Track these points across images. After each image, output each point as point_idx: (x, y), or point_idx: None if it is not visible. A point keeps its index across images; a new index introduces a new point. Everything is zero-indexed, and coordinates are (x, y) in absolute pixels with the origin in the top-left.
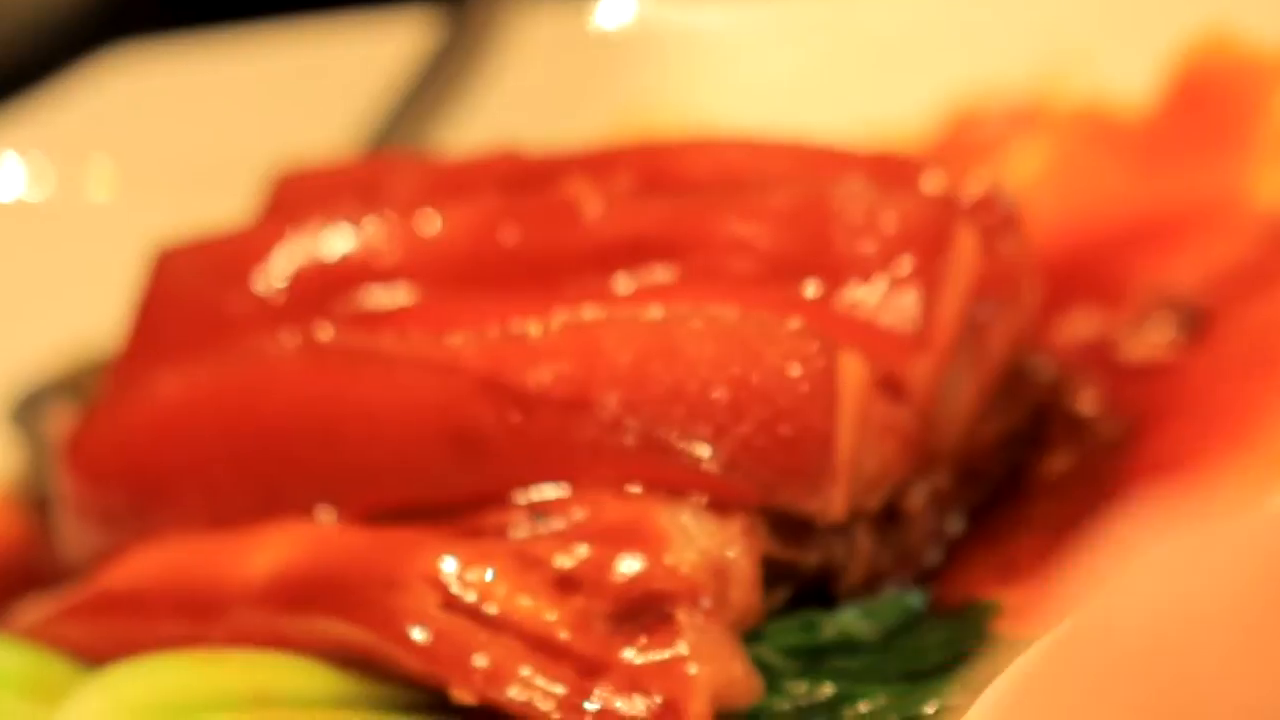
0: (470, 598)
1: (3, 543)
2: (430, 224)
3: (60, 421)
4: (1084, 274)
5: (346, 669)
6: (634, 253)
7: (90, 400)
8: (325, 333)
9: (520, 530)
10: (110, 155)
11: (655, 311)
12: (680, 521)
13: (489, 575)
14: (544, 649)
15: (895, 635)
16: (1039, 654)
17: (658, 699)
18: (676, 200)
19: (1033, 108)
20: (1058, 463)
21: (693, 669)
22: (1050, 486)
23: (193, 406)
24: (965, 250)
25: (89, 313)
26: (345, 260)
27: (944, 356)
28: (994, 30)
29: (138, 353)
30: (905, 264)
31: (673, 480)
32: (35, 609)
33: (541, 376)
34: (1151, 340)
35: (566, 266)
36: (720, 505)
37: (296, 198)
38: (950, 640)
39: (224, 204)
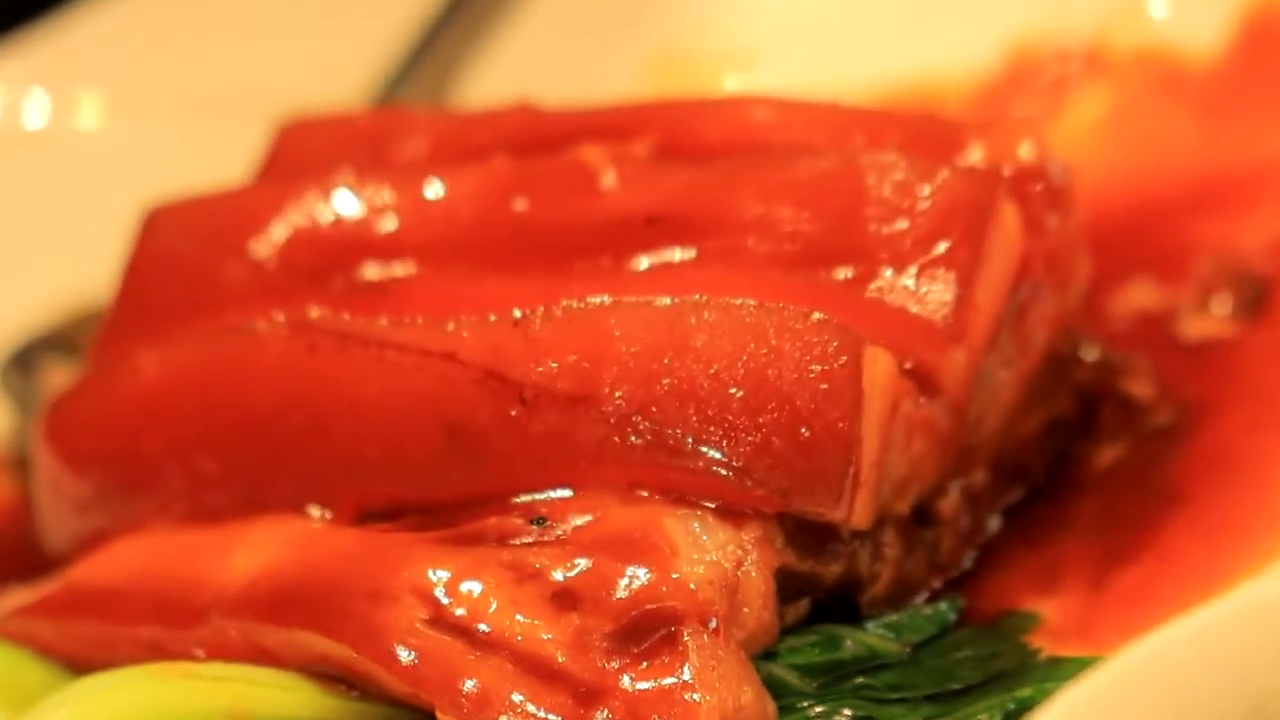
0: (461, 613)
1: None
2: (437, 189)
3: (53, 380)
4: (1142, 238)
5: (327, 685)
6: (650, 229)
7: (80, 363)
8: (317, 312)
9: (518, 537)
10: (107, 87)
11: (667, 300)
12: (690, 530)
13: (481, 588)
14: (538, 672)
15: (924, 651)
16: (1095, 687)
17: None
18: (696, 170)
19: (1094, 50)
20: (1107, 454)
21: (697, 696)
22: (1098, 481)
23: (176, 388)
24: (1008, 228)
25: (83, 251)
26: (345, 227)
27: (981, 347)
28: None
29: (122, 322)
30: (941, 246)
31: (683, 485)
32: (6, 602)
33: (544, 369)
34: (1212, 315)
35: (577, 242)
36: (734, 512)
37: (297, 153)
38: (984, 657)
39: (224, 137)
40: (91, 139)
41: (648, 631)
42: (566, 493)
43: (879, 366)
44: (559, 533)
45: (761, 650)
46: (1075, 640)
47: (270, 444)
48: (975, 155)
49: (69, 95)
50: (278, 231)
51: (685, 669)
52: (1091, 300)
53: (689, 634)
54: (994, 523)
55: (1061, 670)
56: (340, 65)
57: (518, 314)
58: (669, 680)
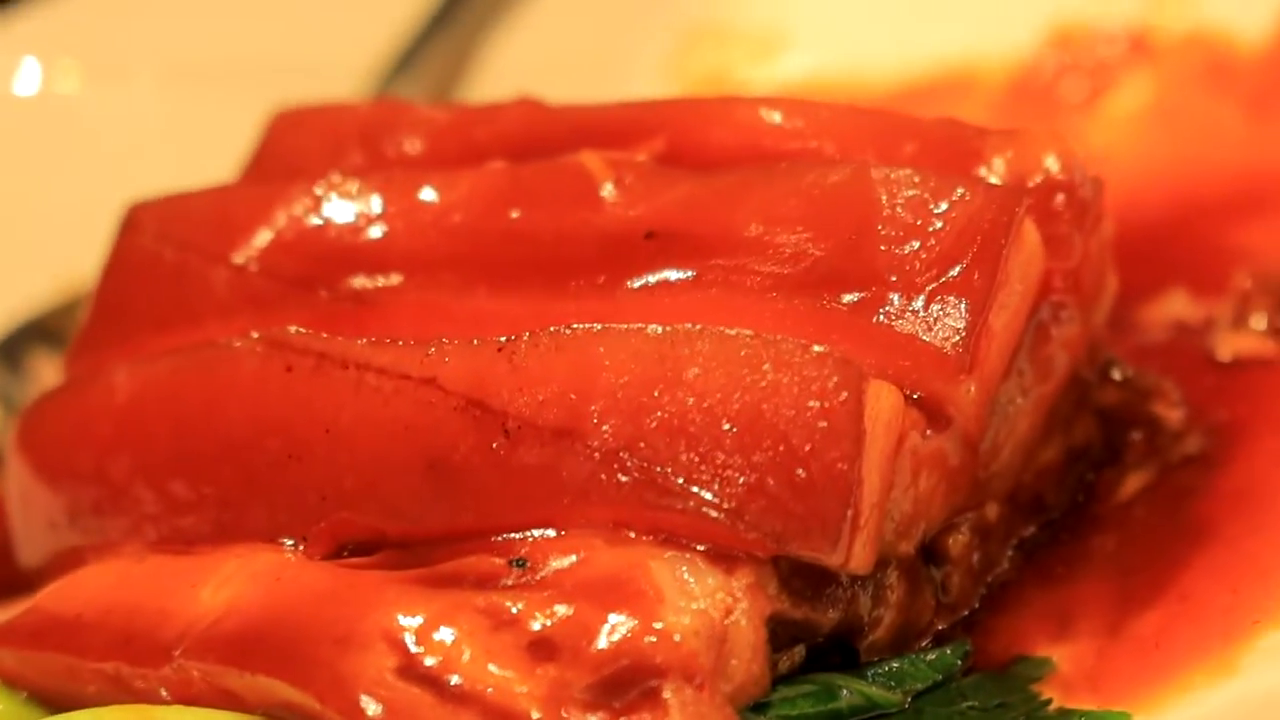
0: (432, 662)
1: None
2: (430, 195)
3: (41, 373)
4: (1179, 241)
5: None
6: (648, 244)
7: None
8: (296, 328)
9: (497, 579)
10: (89, 56)
11: (659, 329)
12: (678, 575)
13: (455, 636)
14: None
15: (926, 699)
16: None
17: None
18: (699, 181)
19: (1139, 35)
20: (1131, 484)
21: None
22: (1120, 514)
23: (148, 406)
24: (1028, 248)
25: (70, 225)
26: (332, 234)
27: (994, 377)
28: None
29: (99, 327)
30: (954, 269)
31: (672, 526)
32: None
33: (529, 399)
34: (1250, 330)
35: (573, 255)
36: (725, 556)
37: (288, 147)
38: (990, 708)
39: (207, 106)
40: (73, 106)
41: (628, 686)
42: (550, 532)
43: (883, 402)
44: (540, 575)
45: (751, 702)
46: (1086, 691)
47: (244, 470)
48: (997, 167)
49: (52, 64)
50: (261, 237)
51: None
52: (1122, 310)
53: (671, 689)
54: (1007, 559)
55: None
56: (330, 36)
57: (503, 339)
58: None
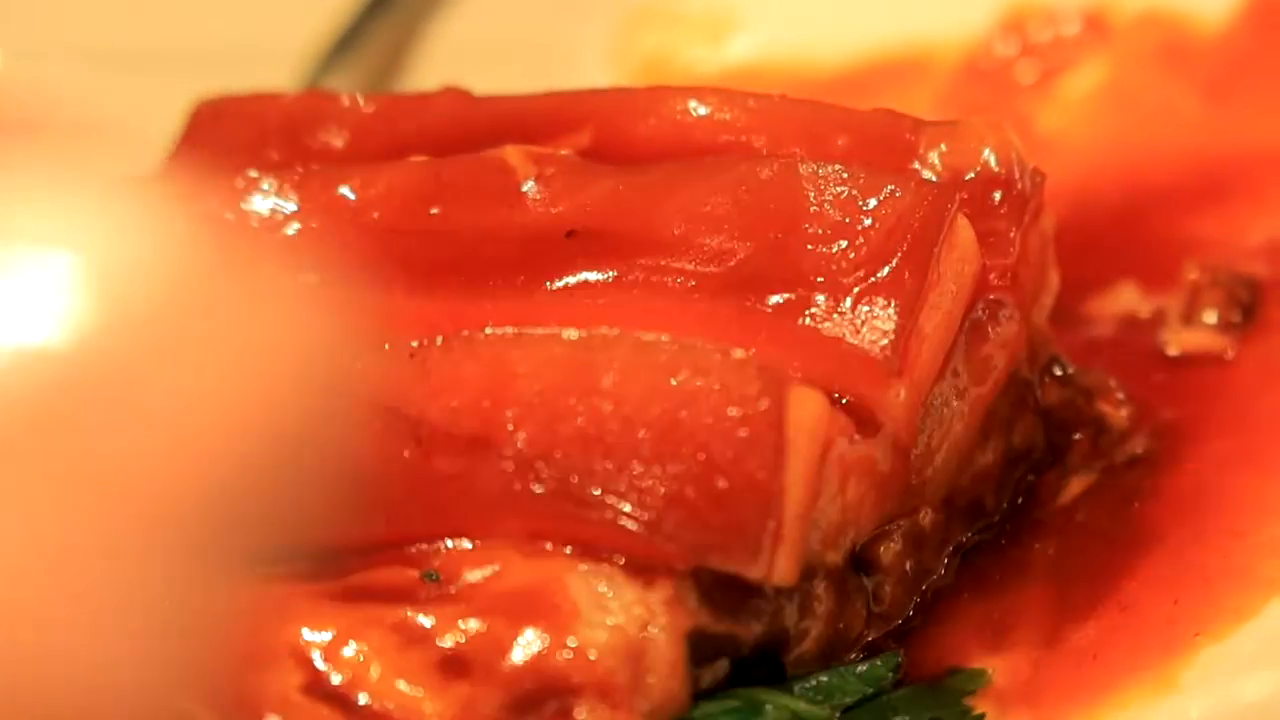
0: (339, 680)
1: None
2: (351, 191)
3: None
4: (1128, 230)
5: None
6: (568, 243)
7: None
8: None
9: (409, 594)
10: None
11: (575, 334)
12: (593, 589)
13: (365, 653)
14: None
15: (855, 715)
16: None
17: None
18: (623, 177)
19: (1094, 15)
20: (1074, 487)
21: None
22: (1060, 519)
23: None
24: (961, 245)
25: None
26: (252, 227)
27: (927, 378)
28: None
29: None
30: (883, 269)
31: (589, 537)
32: None
33: (442, 406)
34: (1199, 325)
35: (492, 254)
36: (644, 568)
37: (212, 138)
38: None
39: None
40: None
41: (541, 704)
42: (464, 543)
43: (807, 409)
44: (453, 589)
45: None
46: (1021, 704)
47: None
48: (932, 160)
49: None
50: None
51: None
52: (1069, 303)
53: (586, 709)
54: (942, 567)
55: None
56: (263, 22)
57: (415, 344)
58: None
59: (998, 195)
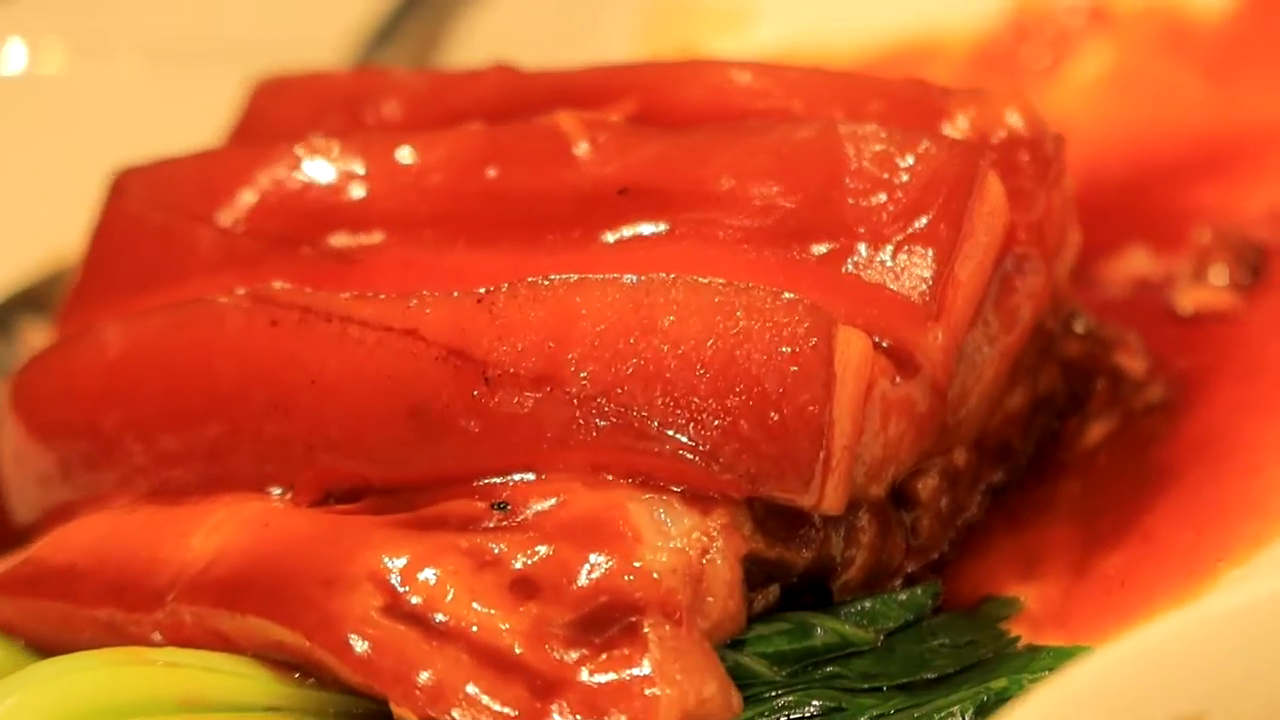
0: (417, 601)
1: None
2: (409, 156)
3: (30, 341)
4: (1138, 202)
5: (283, 672)
6: (621, 200)
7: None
8: (280, 284)
9: (479, 522)
10: (74, 35)
11: (634, 278)
12: (654, 516)
13: (439, 576)
14: (495, 663)
15: (898, 638)
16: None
17: None
18: (671, 140)
19: (1100, 3)
20: (1095, 432)
21: (657, 691)
22: (1084, 461)
23: (138, 361)
24: (992, 200)
25: (54, 203)
26: (314, 195)
27: (961, 325)
28: None
29: (89, 287)
30: (920, 220)
31: (649, 468)
32: None
33: (508, 348)
34: (1209, 286)
35: (548, 212)
36: (701, 497)
37: (271, 114)
38: (959, 645)
39: (192, 86)
40: (58, 87)
41: (608, 622)
42: (529, 476)
43: (852, 347)
44: (520, 518)
45: (728, 639)
46: (1054, 628)
47: (231, 422)
48: (961, 124)
49: (38, 44)
50: (246, 198)
51: (645, 661)
52: (1084, 268)
53: (650, 625)
54: (975, 504)
55: (1039, 660)
56: (310, 12)
57: (482, 291)
58: (628, 673)
59: (1023, 156)
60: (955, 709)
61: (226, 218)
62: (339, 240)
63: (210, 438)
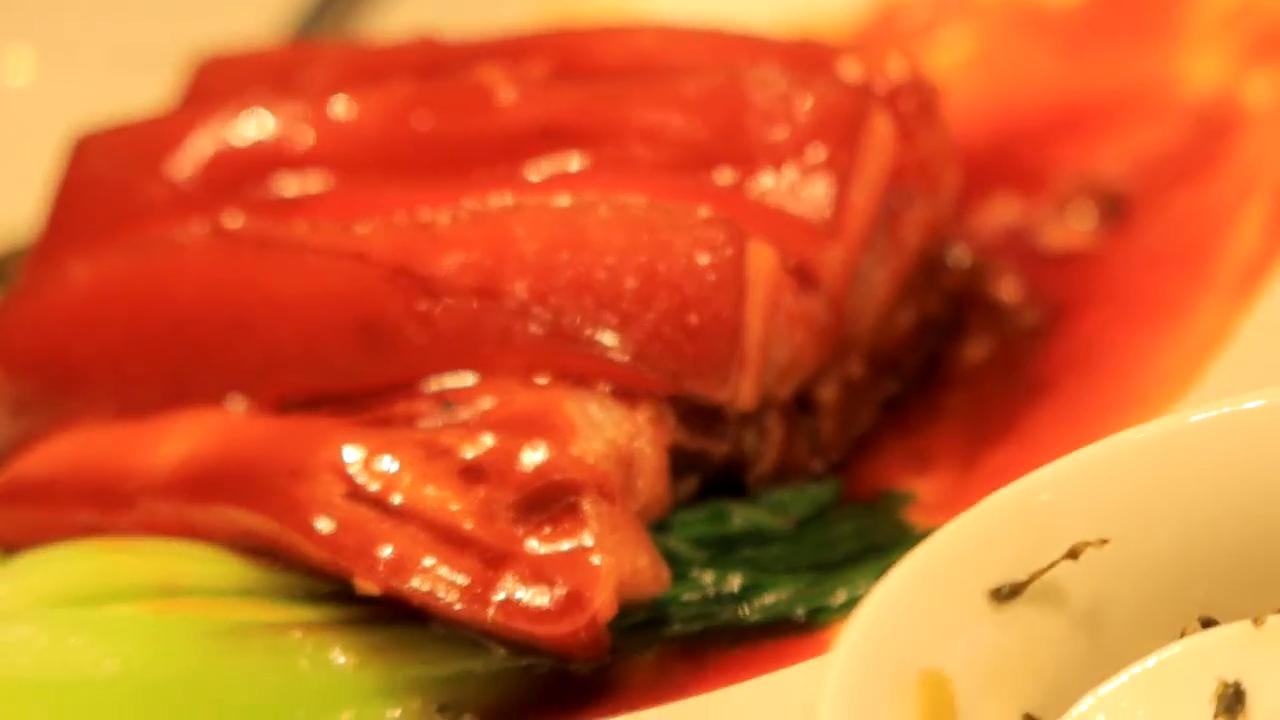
0: (375, 487)
1: None
2: (344, 110)
3: None
4: (1006, 160)
5: (252, 558)
6: (545, 140)
7: (9, 288)
8: (235, 220)
9: (428, 419)
10: (31, 41)
11: (563, 200)
12: (587, 411)
13: (394, 464)
14: (449, 539)
15: (806, 526)
16: (942, 539)
17: (562, 590)
18: (589, 87)
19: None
20: (975, 352)
21: (597, 559)
22: (967, 376)
23: (104, 295)
24: (880, 138)
25: (11, 197)
26: (259, 147)
27: (856, 245)
28: None
29: (54, 240)
30: (818, 151)
31: (580, 369)
32: None
33: (449, 265)
34: (1073, 228)
35: (478, 154)
36: (628, 394)
37: (215, 84)
38: (861, 531)
39: (145, 88)
40: (21, 93)
41: (550, 501)
42: (473, 379)
43: (762, 259)
44: (465, 416)
45: (655, 521)
46: (947, 514)
47: (194, 344)
48: (850, 73)
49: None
50: (197, 151)
51: (586, 534)
52: (958, 215)
53: (589, 503)
54: (871, 413)
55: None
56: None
57: (424, 216)
58: (571, 544)
59: (905, 102)
60: (860, 581)
61: (179, 171)
62: (285, 186)
63: (174, 361)
